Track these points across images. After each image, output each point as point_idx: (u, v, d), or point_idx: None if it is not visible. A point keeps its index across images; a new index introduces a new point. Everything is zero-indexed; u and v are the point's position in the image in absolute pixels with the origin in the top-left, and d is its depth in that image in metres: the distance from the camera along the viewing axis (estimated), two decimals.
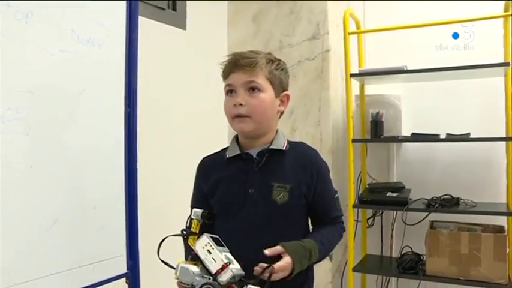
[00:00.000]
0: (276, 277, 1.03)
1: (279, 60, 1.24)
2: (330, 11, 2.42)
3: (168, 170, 2.03)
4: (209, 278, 0.98)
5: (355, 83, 2.38)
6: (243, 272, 1.01)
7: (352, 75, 2.27)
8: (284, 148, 1.21)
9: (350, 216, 2.24)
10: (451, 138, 2.17)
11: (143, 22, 1.58)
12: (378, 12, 2.56)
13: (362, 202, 2.30)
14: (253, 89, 1.16)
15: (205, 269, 0.99)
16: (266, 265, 1.02)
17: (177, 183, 2.03)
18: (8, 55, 1.12)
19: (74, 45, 1.30)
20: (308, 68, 2.42)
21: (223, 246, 1.04)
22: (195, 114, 2.24)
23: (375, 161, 2.56)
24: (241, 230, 1.16)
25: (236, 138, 1.26)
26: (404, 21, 2.29)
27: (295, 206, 1.19)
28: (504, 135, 2.10)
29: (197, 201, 1.27)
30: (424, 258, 2.17)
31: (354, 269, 2.27)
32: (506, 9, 2.08)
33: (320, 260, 1.19)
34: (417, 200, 2.22)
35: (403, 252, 2.29)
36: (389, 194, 2.26)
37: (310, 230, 1.26)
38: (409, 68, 2.18)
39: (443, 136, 2.18)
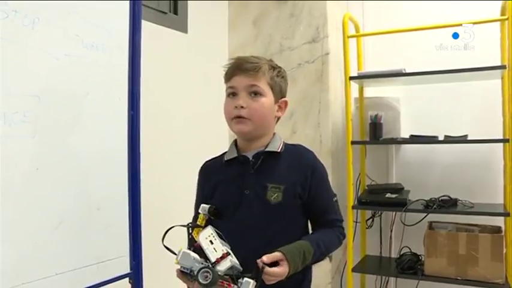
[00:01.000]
0: (269, 281, 1.04)
1: (280, 67, 1.28)
2: (330, 15, 2.45)
3: (170, 172, 2.05)
4: (208, 265, 1.00)
5: (354, 86, 2.41)
6: (241, 268, 1.03)
7: (351, 78, 2.30)
8: (279, 150, 1.24)
9: (349, 217, 2.26)
10: (449, 140, 2.19)
11: (145, 26, 1.60)
12: (377, 13, 2.58)
13: (361, 203, 2.32)
14: (255, 93, 1.20)
15: (205, 259, 1.01)
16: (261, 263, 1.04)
17: (179, 185, 2.05)
18: (15, 60, 1.15)
19: (78, 50, 1.32)
20: (308, 70, 2.45)
21: (226, 241, 1.07)
22: (196, 116, 2.26)
23: (374, 163, 2.58)
24: (238, 230, 1.17)
25: (235, 142, 1.30)
26: (403, 22, 2.31)
27: (290, 206, 1.20)
28: (501, 137, 2.13)
29: (200, 204, 1.28)
30: (423, 259, 2.19)
31: (354, 270, 2.29)
32: (502, 13, 2.10)
33: (315, 262, 1.20)
34: (416, 201, 2.24)
35: (401, 253, 2.32)
36: (388, 195, 2.29)
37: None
38: (408, 70, 2.21)
39: (441, 138, 2.21)
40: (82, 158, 1.35)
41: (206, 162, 1.36)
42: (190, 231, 1.11)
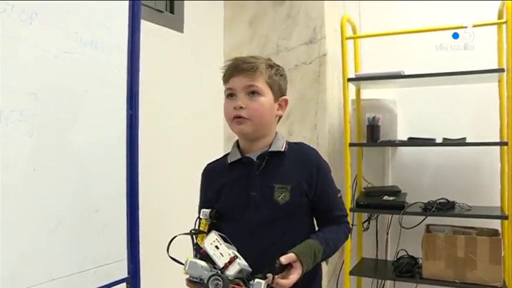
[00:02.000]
0: (284, 286, 1.03)
1: (278, 66, 1.27)
2: (327, 16, 2.44)
3: (168, 174, 2.02)
4: (217, 272, 0.99)
5: (351, 87, 2.39)
6: (250, 269, 1.02)
7: (349, 79, 2.29)
8: (283, 149, 1.23)
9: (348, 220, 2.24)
10: (447, 143, 2.19)
11: (141, 24, 1.58)
12: (373, 14, 2.57)
13: (359, 206, 2.31)
14: (253, 92, 1.19)
15: (213, 264, 1.01)
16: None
17: (178, 188, 2.03)
18: (12, 56, 1.11)
19: (77, 47, 1.29)
20: (305, 72, 2.44)
21: (231, 244, 1.06)
22: (192, 115, 2.23)
23: (370, 165, 2.57)
24: (246, 232, 1.17)
25: (237, 143, 1.28)
26: (399, 23, 2.31)
27: (297, 205, 1.20)
28: (498, 140, 2.14)
29: (203, 207, 1.26)
30: (420, 262, 2.18)
31: (351, 273, 2.28)
32: (500, 17, 2.11)
33: (325, 259, 1.20)
34: (414, 203, 2.23)
35: (399, 256, 2.31)
36: (385, 197, 2.28)
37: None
38: (407, 72, 2.20)
39: (438, 140, 2.20)
40: (80, 158, 1.32)
41: (208, 164, 1.33)
42: (195, 238, 1.11)
